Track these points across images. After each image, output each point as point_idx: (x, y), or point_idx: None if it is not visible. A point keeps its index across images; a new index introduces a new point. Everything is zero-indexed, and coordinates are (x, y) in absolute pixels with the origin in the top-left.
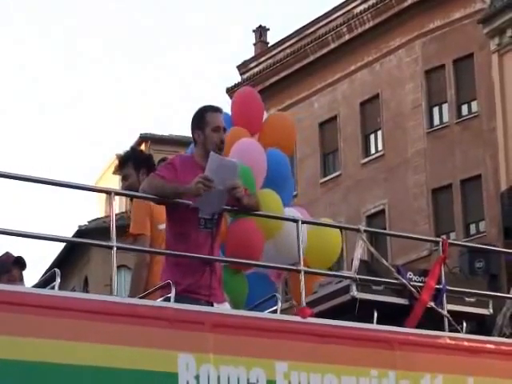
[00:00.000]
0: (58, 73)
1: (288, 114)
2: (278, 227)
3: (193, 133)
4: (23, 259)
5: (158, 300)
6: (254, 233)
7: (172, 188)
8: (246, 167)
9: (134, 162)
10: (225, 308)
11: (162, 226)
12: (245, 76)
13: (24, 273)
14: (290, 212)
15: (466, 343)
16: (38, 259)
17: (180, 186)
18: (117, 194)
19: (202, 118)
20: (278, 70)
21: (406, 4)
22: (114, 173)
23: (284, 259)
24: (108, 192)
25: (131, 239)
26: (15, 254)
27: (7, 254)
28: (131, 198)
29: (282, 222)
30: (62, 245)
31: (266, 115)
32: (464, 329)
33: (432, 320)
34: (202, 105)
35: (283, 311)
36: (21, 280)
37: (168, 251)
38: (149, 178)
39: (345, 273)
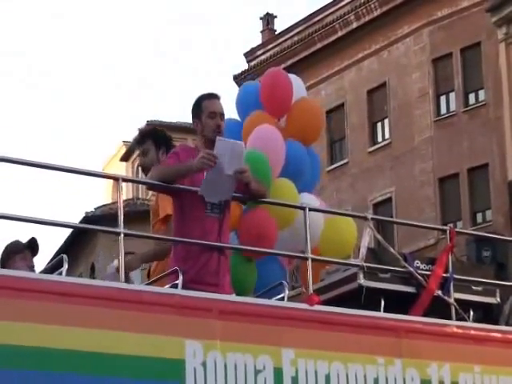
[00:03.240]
0: (66, 59)
1: (316, 101)
2: (294, 216)
3: (192, 122)
4: (37, 243)
5: (166, 287)
6: (267, 222)
7: (176, 168)
8: (262, 154)
9: (154, 139)
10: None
11: None
12: (252, 63)
13: (34, 259)
14: (304, 198)
15: (472, 332)
16: (45, 245)
17: (184, 164)
18: (124, 180)
19: (199, 106)
20: (285, 58)
21: None
22: (122, 159)
23: (299, 247)
24: (116, 178)
25: (162, 225)
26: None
27: (17, 241)
28: (139, 183)
29: (297, 210)
30: (69, 231)
31: (297, 96)
32: (471, 317)
33: (439, 308)
34: (200, 93)
35: (292, 298)
36: (31, 264)
37: (176, 238)
38: (154, 168)
39: (352, 261)
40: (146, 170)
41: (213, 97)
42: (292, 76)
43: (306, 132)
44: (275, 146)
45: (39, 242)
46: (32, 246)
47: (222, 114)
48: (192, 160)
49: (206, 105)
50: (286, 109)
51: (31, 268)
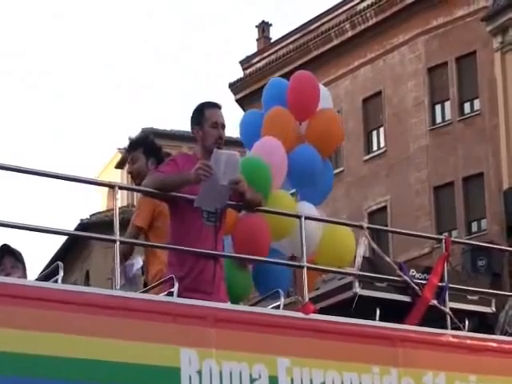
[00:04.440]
0: (65, 61)
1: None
2: (292, 226)
3: (192, 129)
4: (8, 246)
5: (161, 294)
6: (261, 229)
7: (173, 178)
8: (263, 162)
9: (145, 148)
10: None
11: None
12: (247, 71)
13: (21, 260)
14: (302, 207)
15: (468, 341)
16: (39, 252)
17: (180, 175)
18: (121, 188)
19: (201, 113)
20: (281, 66)
21: (409, 1)
22: (117, 167)
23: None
24: (112, 186)
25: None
26: (15, 247)
27: (3, 245)
28: (135, 191)
29: (295, 220)
30: (64, 238)
31: (324, 102)
32: (466, 327)
33: (434, 317)
34: (202, 101)
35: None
36: (12, 267)
37: (172, 245)
38: (150, 174)
39: (347, 269)
40: (133, 178)
41: (216, 106)
42: (321, 86)
43: (324, 141)
44: (277, 159)
45: (34, 248)
46: (7, 250)
47: (224, 125)
48: (191, 169)
49: (209, 114)
50: (311, 114)
51: (13, 270)
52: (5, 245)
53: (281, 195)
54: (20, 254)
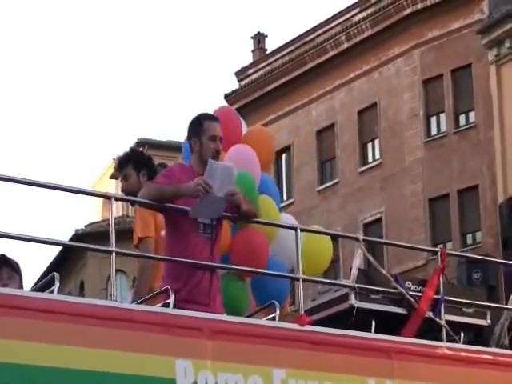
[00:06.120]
0: (56, 74)
1: (266, 129)
2: (274, 234)
3: (189, 140)
4: (5, 257)
5: (157, 306)
6: (261, 243)
7: (171, 190)
8: (244, 172)
9: (134, 163)
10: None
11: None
12: (243, 83)
13: (18, 271)
14: (286, 219)
15: (463, 354)
16: (34, 263)
17: (179, 186)
18: (117, 199)
19: (200, 125)
20: (276, 77)
21: (404, 13)
22: (112, 177)
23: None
24: (108, 197)
25: (138, 243)
26: (11, 257)
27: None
28: (131, 203)
29: (277, 229)
30: (58, 248)
31: (245, 129)
32: (462, 339)
33: (430, 330)
34: (200, 112)
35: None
36: (9, 278)
37: (168, 257)
38: (147, 185)
39: (343, 281)
40: (128, 195)
41: (214, 119)
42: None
43: (260, 157)
44: (252, 164)
45: (27, 258)
46: (4, 261)
47: (221, 138)
48: (187, 180)
49: (207, 126)
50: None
51: (10, 281)
52: (1, 255)
53: (265, 201)
54: (17, 265)
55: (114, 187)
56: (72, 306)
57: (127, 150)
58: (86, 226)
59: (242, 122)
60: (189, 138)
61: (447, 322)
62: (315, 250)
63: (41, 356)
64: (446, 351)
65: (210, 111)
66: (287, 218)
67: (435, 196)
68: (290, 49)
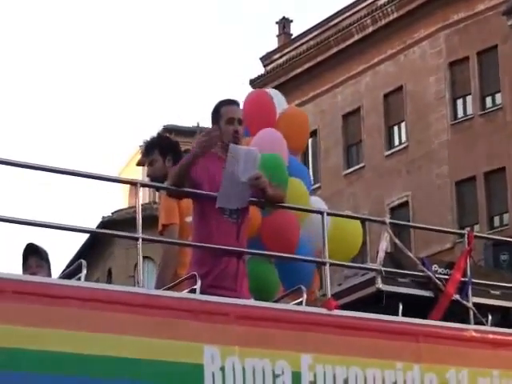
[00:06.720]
0: (84, 63)
1: (302, 110)
2: (304, 217)
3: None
4: (34, 245)
5: (184, 291)
6: (293, 224)
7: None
8: (278, 156)
9: (160, 148)
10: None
11: (190, 219)
12: (268, 68)
13: (46, 259)
14: (316, 202)
15: (491, 336)
16: (62, 250)
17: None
18: (143, 185)
19: (217, 112)
20: (302, 62)
21: None
22: (138, 164)
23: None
24: (134, 183)
25: (162, 230)
26: (40, 245)
27: (28, 244)
28: (157, 189)
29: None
30: (86, 236)
31: (281, 109)
32: (489, 322)
33: (457, 312)
34: (220, 99)
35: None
36: (37, 266)
37: (194, 243)
38: (171, 171)
39: (370, 265)
40: (154, 180)
41: (231, 103)
42: (272, 91)
43: (291, 141)
44: (280, 147)
45: (54, 246)
46: (31, 249)
47: (240, 120)
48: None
49: (224, 111)
50: (271, 125)
51: (38, 270)
52: (30, 244)
53: (295, 184)
54: (45, 253)
55: (140, 174)
56: (100, 293)
57: (154, 135)
58: (112, 213)
59: (282, 98)
60: (211, 125)
61: (474, 304)
62: (345, 235)
63: (70, 343)
64: (474, 334)
65: (236, 97)
66: (317, 202)
67: (462, 179)
68: (315, 33)
